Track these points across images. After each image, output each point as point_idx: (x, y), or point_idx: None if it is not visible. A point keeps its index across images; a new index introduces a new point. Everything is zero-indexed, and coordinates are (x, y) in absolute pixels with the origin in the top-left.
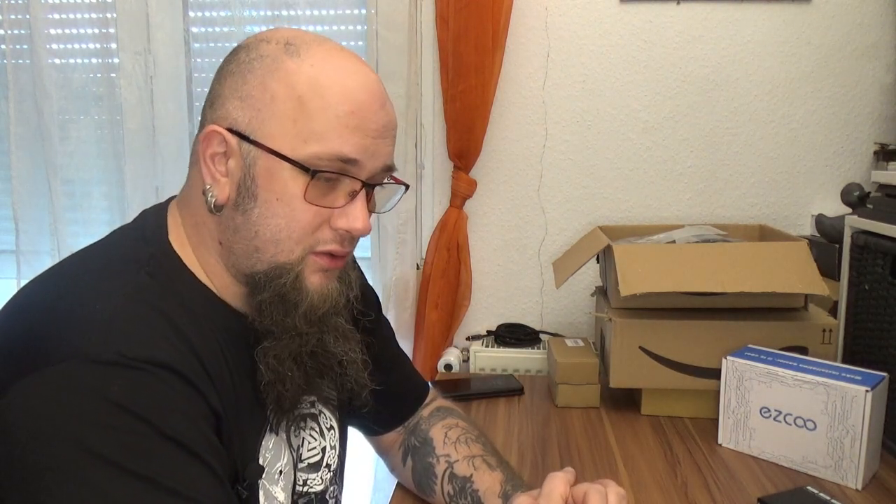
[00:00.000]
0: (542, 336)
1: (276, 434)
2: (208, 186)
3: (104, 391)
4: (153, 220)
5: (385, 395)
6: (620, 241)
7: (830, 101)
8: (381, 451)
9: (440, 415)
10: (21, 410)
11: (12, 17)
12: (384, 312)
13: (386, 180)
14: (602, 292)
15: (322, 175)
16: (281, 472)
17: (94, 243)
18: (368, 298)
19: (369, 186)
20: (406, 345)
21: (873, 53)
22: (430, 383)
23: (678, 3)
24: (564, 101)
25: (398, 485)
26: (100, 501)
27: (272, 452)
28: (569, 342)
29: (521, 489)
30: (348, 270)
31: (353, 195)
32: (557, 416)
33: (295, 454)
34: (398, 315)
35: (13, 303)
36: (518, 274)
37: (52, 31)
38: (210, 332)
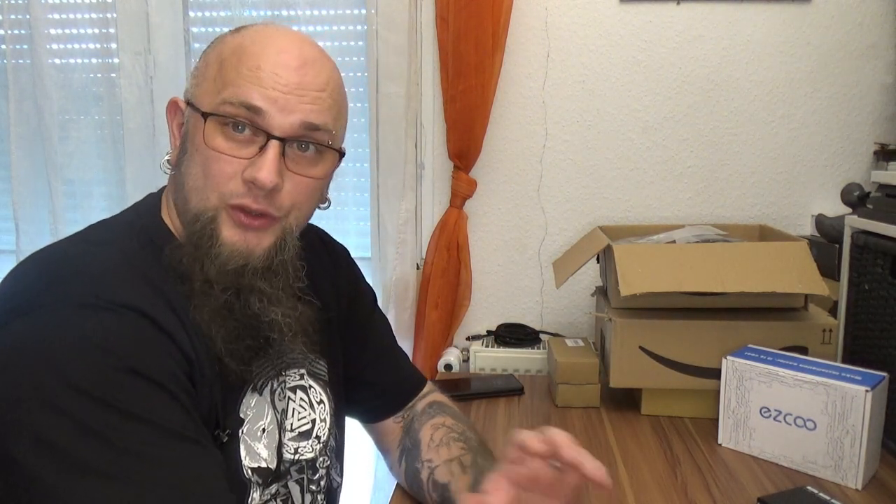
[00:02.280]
0: (542, 336)
1: (260, 394)
2: (170, 149)
3: (80, 328)
4: (150, 198)
5: (378, 384)
6: (620, 241)
7: (830, 101)
8: (381, 448)
9: (430, 412)
10: (8, 347)
11: (12, 17)
12: (385, 312)
13: (312, 145)
14: (602, 292)
15: (221, 118)
16: (264, 429)
17: (104, 219)
18: (362, 291)
19: (279, 139)
20: (406, 345)
21: (873, 53)
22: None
23: (678, 3)
24: (564, 101)
25: (398, 485)
26: (69, 424)
27: (254, 410)
28: (569, 342)
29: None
30: (286, 237)
31: (262, 149)
32: (557, 416)
33: (279, 416)
34: (398, 315)
35: (16, 268)
36: (518, 274)
37: (52, 31)
38: (189, 290)
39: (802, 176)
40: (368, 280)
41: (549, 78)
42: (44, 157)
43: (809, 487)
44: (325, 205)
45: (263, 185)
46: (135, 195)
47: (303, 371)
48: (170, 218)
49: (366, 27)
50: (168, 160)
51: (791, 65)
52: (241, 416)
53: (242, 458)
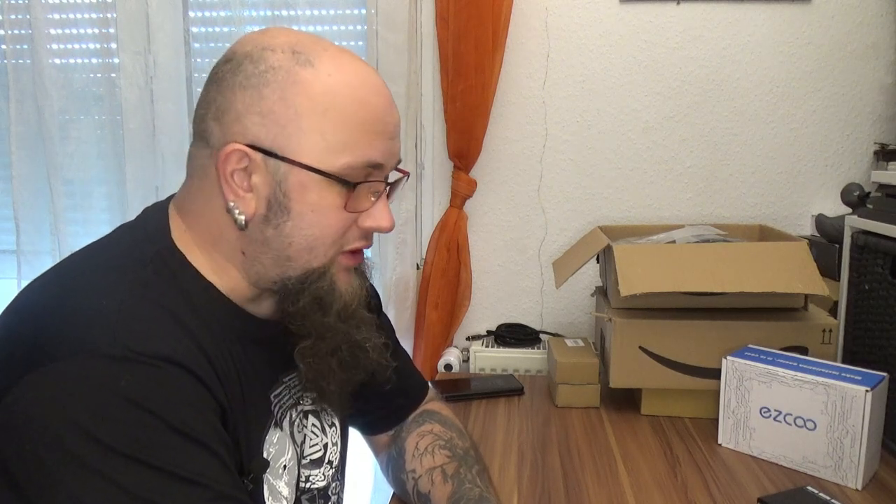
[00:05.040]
0: (542, 336)
1: (281, 429)
2: (232, 204)
3: (113, 386)
4: (155, 219)
5: (384, 397)
6: (620, 241)
7: (830, 101)
8: (376, 455)
9: (419, 420)
10: (31, 405)
11: (12, 17)
12: (385, 313)
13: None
14: (602, 292)
15: (359, 184)
16: (285, 466)
17: (97, 241)
18: (371, 296)
19: (389, 184)
20: (406, 345)
21: (873, 53)
22: (429, 383)
23: (678, 3)
24: (564, 101)
25: None
26: (115, 492)
27: (276, 447)
28: (569, 342)
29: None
30: (364, 266)
31: (377, 195)
32: (557, 416)
33: (298, 449)
34: (398, 315)
35: (17, 302)
36: (518, 274)
37: (53, 31)
38: (216, 329)
39: (802, 176)
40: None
41: (549, 78)
42: (44, 157)
43: (809, 487)
44: None
45: (389, 231)
46: (135, 195)
47: (314, 395)
48: (184, 244)
49: (366, 27)
50: (240, 214)
51: (791, 65)
52: (266, 456)
53: (266, 500)
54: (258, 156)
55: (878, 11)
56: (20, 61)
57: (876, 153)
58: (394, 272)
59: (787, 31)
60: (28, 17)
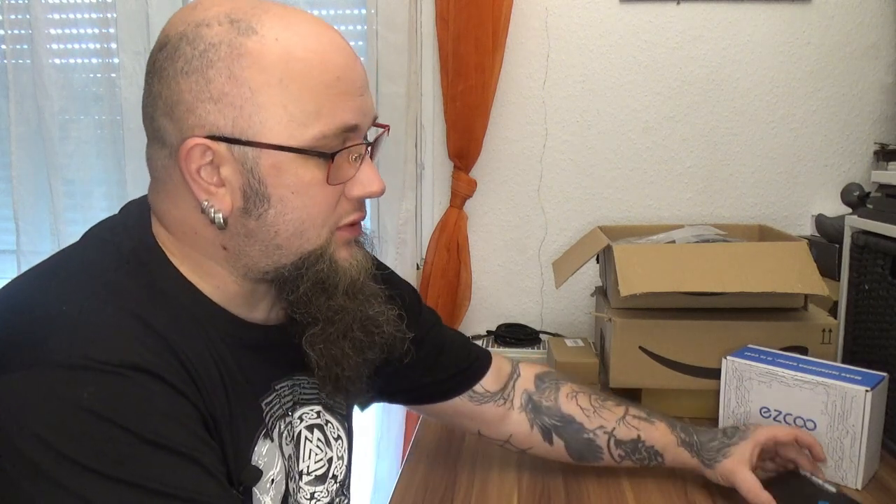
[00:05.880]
0: (542, 336)
1: (271, 440)
2: (206, 203)
3: (74, 398)
4: (136, 213)
5: (441, 367)
6: (620, 241)
7: (830, 101)
8: (466, 421)
9: (552, 385)
10: None
11: (12, 17)
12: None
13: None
14: (602, 292)
15: (337, 153)
16: (273, 480)
17: (76, 242)
18: (408, 289)
19: (369, 144)
20: None
21: (873, 53)
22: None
23: (678, 3)
24: (564, 101)
25: (398, 485)
26: None
27: (266, 459)
28: (569, 342)
29: (690, 432)
30: (364, 237)
31: (359, 159)
32: None
33: (287, 463)
34: None
35: None
36: (518, 274)
37: (53, 31)
38: (196, 333)
39: (802, 176)
40: None
41: (549, 78)
42: (44, 157)
43: (802, 471)
44: None
45: (380, 194)
46: (135, 195)
47: (318, 408)
48: (163, 242)
49: (366, 27)
50: (216, 212)
51: (791, 65)
52: (255, 465)
53: None
54: (221, 146)
55: (878, 11)
56: (20, 61)
57: (876, 153)
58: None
59: (787, 31)
60: (28, 17)
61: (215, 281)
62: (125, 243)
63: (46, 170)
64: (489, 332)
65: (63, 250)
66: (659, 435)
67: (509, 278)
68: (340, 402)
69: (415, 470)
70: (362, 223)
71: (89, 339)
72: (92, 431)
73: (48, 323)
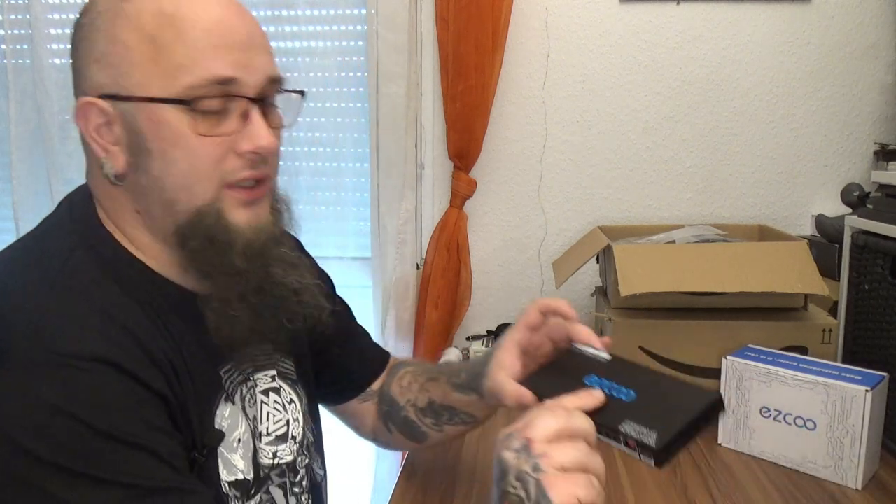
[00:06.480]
0: None
1: (233, 403)
2: (103, 161)
3: (36, 393)
4: (79, 200)
5: (342, 365)
6: (620, 241)
7: (830, 101)
8: (353, 426)
9: (394, 372)
10: None
11: (12, 17)
12: (384, 312)
13: (277, 93)
14: (602, 292)
15: (202, 102)
16: (239, 440)
17: (25, 235)
18: (323, 278)
19: (259, 101)
20: (406, 345)
21: (873, 53)
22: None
23: (678, 3)
24: (564, 101)
25: (398, 484)
26: (41, 500)
27: (229, 421)
28: None
29: (459, 372)
30: (279, 205)
31: (246, 115)
32: None
33: (251, 423)
34: (398, 315)
35: None
36: (518, 274)
37: (53, 31)
38: (150, 310)
39: (802, 176)
40: (368, 280)
41: (549, 78)
42: (44, 157)
43: (575, 346)
44: None
45: (269, 150)
46: None
47: (272, 373)
48: (122, 232)
49: (366, 27)
50: (110, 168)
51: (791, 65)
52: (219, 428)
53: (221, 473)
54: (106, 104)
55: (878, 11)
56: (20, 61)
57: (876, 153)
58: (394, 272)
59: (787, 31)
60: (28, 17)
61: (151, 251)
62: (73, 229)
63: (46, 170)
64: (489, 332)
65: (10, 247)
66: (441, 390)
67: (509, 278)
68: (290, 367)
69: (415, 470)
70: (272, 189)
71: (50, 334)
72: (50, 425)
73: (9, 322)
